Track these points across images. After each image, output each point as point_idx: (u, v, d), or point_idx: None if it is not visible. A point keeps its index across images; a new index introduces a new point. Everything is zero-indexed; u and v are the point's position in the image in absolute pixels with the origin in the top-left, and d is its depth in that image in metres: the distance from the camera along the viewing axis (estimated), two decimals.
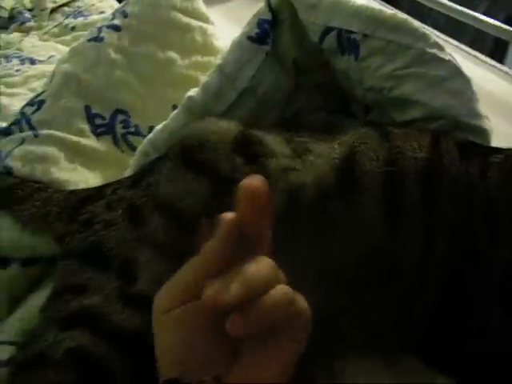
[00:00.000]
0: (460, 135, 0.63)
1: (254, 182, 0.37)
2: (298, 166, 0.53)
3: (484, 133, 0.67)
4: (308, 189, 0.51)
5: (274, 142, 0.56)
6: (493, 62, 1.15)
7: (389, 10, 0.70)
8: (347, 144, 0.55)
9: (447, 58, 0.68)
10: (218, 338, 0.38)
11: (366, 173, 0.52)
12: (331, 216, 0.51)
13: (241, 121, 0.61)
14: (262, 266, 0.38)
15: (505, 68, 1.13)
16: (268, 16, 0.74)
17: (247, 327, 0.35)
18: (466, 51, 1.19)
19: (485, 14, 1.18)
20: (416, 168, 0.52)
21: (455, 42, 1.21)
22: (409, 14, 1.35)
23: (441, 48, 0.69)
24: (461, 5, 1.24)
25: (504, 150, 0.57)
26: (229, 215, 0.39)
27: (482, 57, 1.16)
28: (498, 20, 1.16)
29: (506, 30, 1.13)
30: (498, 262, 0.50)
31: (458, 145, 0.57)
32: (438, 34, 1.18)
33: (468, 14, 1.19)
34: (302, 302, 0.39)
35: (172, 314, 0.39)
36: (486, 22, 1.16)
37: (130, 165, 0.73)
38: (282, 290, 0.38)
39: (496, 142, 0.66)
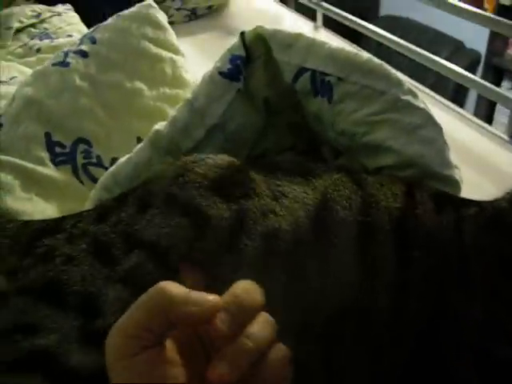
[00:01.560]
0: (433, 185, 0.62)
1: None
2: (276, 209, 0.51)
3: (455, 183, 0.66)
4: (284, 235, 0.49)
5: (258, 180, 0.54)
6: (454, 107, 1.16)
7: (364, 55, 0.70)
8: (320, 190, 0.53)
9: (421, 105, 0.67)
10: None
11: (338, 222, 0.50)
12: (304, 266, 0.49)
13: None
14: (263, 326, 0.37)
15: (465, 113, 1.14)
16: (241, 52, 0.72)
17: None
18: (428, 94, 1.20)
19: (447, 59, 1.20)
20: (390, 219, 0.51)
21: (418, 85, 1.22)
22: (375, 54, 1.37)
23: (415, 95, 0.68)
24: (425, 49, 1.26)
25: (477, 202, 0.57)
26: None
27: (444, 100, 1.18)
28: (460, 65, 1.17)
29: (466, 76, 1.15)
30: (471, 317, 0.48)
31: (432, 195, 0.55)
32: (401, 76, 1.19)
33: (430, 59, 1.21)
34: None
35: (133, 361, 0.35)
36: (448, 68, 1.17)
37: (89, 197, 0.70)
38: (282, 350, 0.37)
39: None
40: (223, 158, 0.56)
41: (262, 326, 0.36)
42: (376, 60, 0.69)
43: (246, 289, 0.37)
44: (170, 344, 0.37)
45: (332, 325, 0.47)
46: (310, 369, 0.47)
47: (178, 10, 1.55)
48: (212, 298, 0.36)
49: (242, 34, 0.73)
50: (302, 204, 0.51)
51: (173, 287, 0.36)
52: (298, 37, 0.71)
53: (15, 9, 1.37)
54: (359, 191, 0.54)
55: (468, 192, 0.66)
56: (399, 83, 0.68)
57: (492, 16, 1.06)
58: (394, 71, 0.69)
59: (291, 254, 0.48)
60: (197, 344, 0.38)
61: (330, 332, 0.48)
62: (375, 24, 1.37)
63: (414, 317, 0.48)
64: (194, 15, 1.59)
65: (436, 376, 0.49)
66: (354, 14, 1.44)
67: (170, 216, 0.51)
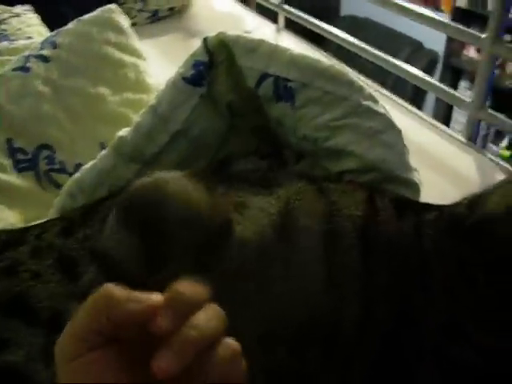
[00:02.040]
0: (393, 189, 0.64)
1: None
2: (240, 221, 0.51)
3: (414, 186, 0.68)
4: (250, 244, 0.50)
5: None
6: (413, 109, 1.18)
7: (326, 61, 0.71)
8: (283, 200, 0.54)
9: (381, 110, 0.69)
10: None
11: (302, 230, 0.51)
12: (271, 274, 0.49)
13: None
14: (209, 316, 0.36)
15: (424, 115, 1.17)
16: (204, 58, 0.73)
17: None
18: (388, 97, 1.22)
19: (407, 59, 1.22)
20: (353, 227, 0.52)
21: (378, 88, 1.25)
22: (335, 57, 1.40)
23: (375, 100, 0.70)
24: (385, 49, 1.29)
25: (437, 206, 0.58)
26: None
27: (403, 103, 1.20)
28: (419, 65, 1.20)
29: (423, 79, 1.18)
30: (432, 320, 0.50)
31: (393, 201, 0.57)
32: (361, 78, 1.21)
33: (389, 61, 1.23)
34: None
35: (77, 363, 0.35)
36: (406, 71, 1.20)
37: (53, 204, 0.70)
38: (230, 346, 0.36)
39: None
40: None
41: (207, 316, 0.36)
42: (337, 67, 0.70)
43: (187, 284, 0.37)
44: (117, 346, 0.37)
45: (300, 332, 0.48)
46: (281, 377, 0.48)
47: (139, 11, 1.55)
48: (154, 296, 0.36)
49: (205, 39, 0.73)
50: (266, 214, 0.52)
51: (115, 288, 0.36)
52: (261, 42, 0.72)
53: None
54: (322, 199, 0.55)
55: (427, 194, 0.68)
56: (360, 89, 0.69)
57: (447, 21, 1.10)
58: (355, 78, 0.70)
59: (257, 261, 0.49)
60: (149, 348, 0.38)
61: (298, 339, 0.49)
62: (336, 24, 1.39)
63: (379, 321, 0.49)
64: (155, 17, 1.58)
65: (400, 378, 0.50)
66: (315, 14, 1.46)
67: (125, 232, 0.50)
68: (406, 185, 0.67)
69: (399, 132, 0.69)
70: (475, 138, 1.11)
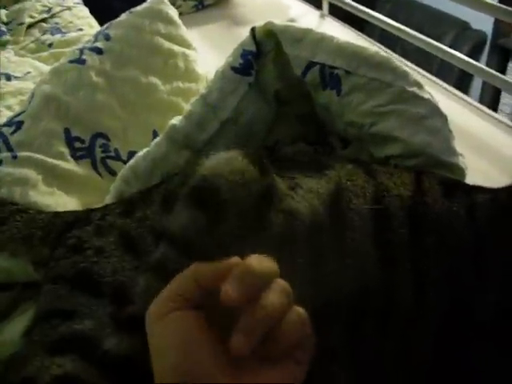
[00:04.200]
0: (440, 173, 0.65)
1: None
2: (293, 196, 0.53)
3: (460, 171, 0.69)
4: (302, 217, 0.52)
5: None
6: (459, 93, 1.17)
7: (371, 48, 0.72)
8: (334, 180, 0.56)
9: (426, 96, 0.70)
10: (218, 347, 0.38)
11: (353, 209, 0.53)
12: (324, 248, 0.51)
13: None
14: (278, 295, 0.38)
15: (470, 100, 1.16)
16: (252, 47, 0.75)
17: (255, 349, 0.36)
18: (433, 81, 1.21)
19: (451, 45, 1.20)
20: (402, 207, 0.53)
21: (424, 72, 1.24)
22: (379, 41, 1.39)
23: (420, 86, 0.71)
24: (428, 35, 1.27)
25: (489, 189, 0.58)
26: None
27: (449, 87, 1.19)
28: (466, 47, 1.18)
29: (469, 62, 1.16)
30: (487, 303, 0.50)
31: (441, 183, 0.58)
32: (406, 62, 1.20)
33: (434, 45, 1.22)
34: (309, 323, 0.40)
35: (167, 318, 0.39)
36: (450, 54, 1.18)
37: (109, 190, 0.73)
38: (297, 313, 0.39)
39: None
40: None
41: (276, 294, 0.38)
42: (383, 53, 0.71)
43: (258, 258, 0.40)
44: (204, 313, 0.40)
45: (354, 307, 0.50)
46: (335, 352, 0.50)
47: (185, 0, 1.57)
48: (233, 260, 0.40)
49: (253, 29, 0.75)
50: (317, 193, 0.54)
51: (202, 263, 0.40)
52: (308, 31, 0.74)
53: (26, 4, 1.39)
54: (371, 181, 0.56)
55: (473, 178, 0.68)
56: (405, 75, 0.70)
57: (494, 4, 1.08)
58: (400, 64, 0.71)
59: (310, 235, 0.51)
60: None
61: (352, 315, 0.50)
62: (381, 7, 1.38)
63: (432, 304, 0.50)
64: (201, 5, 1.61)
65: (457, 354, 0.50)
66: None
67: (188, 209, 0.53)
68: (451, 169, 0.68)
69: (445, 117, 0.70)
70: None
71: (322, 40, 0.72)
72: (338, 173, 0.57)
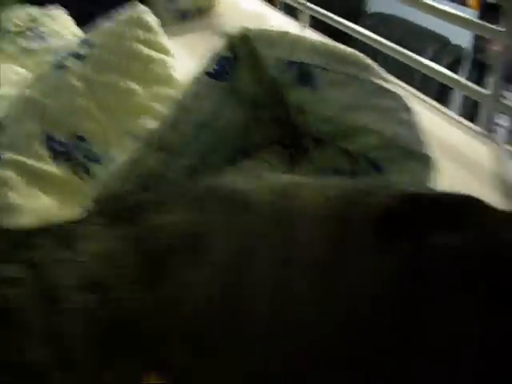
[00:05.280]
0: (413, 167, 0.69)
1: None
2: None
3: (430, 160, 0.72)
4: None
5: None
6: (439, 106, 1.21)
7: (340, 45, 0.76)
8: None
9: (393, 89, 0.73)
10: None
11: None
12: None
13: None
14: None
15: (449, 112, 1.19)
16: (227, 53, 0.77)
17: None
18: (413, 93, 1.24)
19: (433, 55, 1.23)
20: None
21: (404, 85, 1.27)
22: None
23: (386, 80, 0.75)
24: (409, 50, 1.30)
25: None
26: None
27: (429, 100, 1.22)
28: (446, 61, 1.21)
29: (445, 74, 1.20)
30: None
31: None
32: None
33: (414, 59, 1.25)
34: None
35: None
36: (429, 67, 1.22)
37: (88, 193, 0.75)
38: None
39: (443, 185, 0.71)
40: None
41: None
42: (352, 50, 0.76)
43: None
44: None
45: None
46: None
47: (167, 11, 1.60)
48: None
49: (228, 35, 0.78)
50: None
51: None
52: (284, 34, 0.77)
53: (12, 13, 1.41)
54: None
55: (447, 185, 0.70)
56: (371, 69, 0.74)
57: (472, 19, 1.12)
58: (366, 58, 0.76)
59: None
60: None
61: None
62: (363, 21, 1.40)
63: None
64: (183, 17, 1.63)
65: None
66: (341, 13, 1.48)
67: None
68: (422, 160, 0.71)
69: (411, 110, 0.74)
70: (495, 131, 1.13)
71: (298, 40, 0.76)
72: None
